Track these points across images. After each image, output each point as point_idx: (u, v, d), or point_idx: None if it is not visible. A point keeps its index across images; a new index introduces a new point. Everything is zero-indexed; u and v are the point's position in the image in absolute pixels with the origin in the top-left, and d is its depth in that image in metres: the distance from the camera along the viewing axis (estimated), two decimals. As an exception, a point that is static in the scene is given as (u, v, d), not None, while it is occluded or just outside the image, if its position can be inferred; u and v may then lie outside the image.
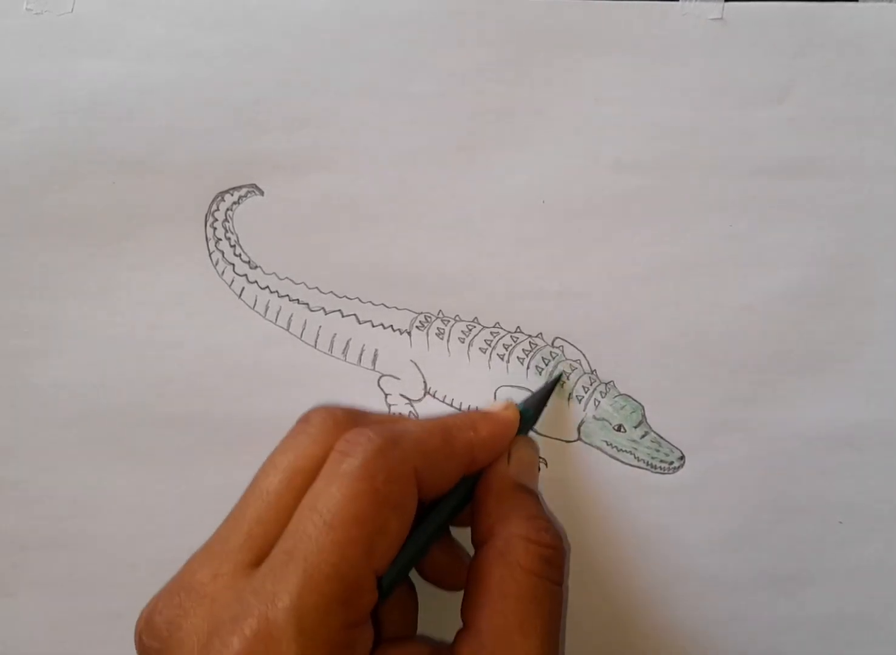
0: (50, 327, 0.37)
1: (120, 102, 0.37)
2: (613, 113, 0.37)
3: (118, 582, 0.36)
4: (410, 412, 0.36)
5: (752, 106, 0.36)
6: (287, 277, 0.37)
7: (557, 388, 0.36)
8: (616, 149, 0.37)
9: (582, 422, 0.36)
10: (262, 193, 0.37)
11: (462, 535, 0.32)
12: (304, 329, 0.37)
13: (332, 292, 0.37)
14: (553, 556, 0.28)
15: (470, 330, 0.36)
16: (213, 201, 0.37)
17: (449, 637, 0.28)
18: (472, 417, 0.31)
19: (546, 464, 0.36)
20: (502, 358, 0.36)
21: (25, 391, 0.37)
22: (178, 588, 0.25)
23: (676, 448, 0.36)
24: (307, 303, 0.37)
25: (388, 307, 0.37)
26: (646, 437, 0.36)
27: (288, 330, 0.37)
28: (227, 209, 0.37)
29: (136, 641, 0.26)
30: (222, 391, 0.36)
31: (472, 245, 0.36)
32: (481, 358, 0.36)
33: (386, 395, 0.36)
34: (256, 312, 0.37)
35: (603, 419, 0.36)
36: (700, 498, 0.36)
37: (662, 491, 0.36)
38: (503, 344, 0.36)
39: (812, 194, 0.36)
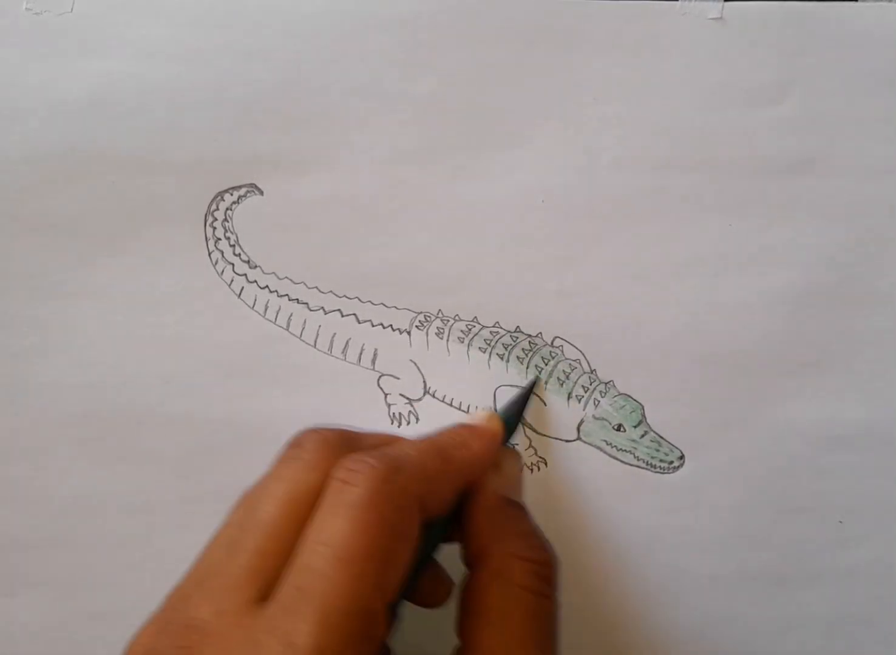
0: (50, 327, 0.37)
1: (120, 102, 0.37)
2: (613, 113, 0.37)
3: (118, 582, 0.36)
4: (410, 411, 0.36)
5: (752, 106, 0.36)
6: (286, 277, 0.37)
7: (556, 388, 0.36)
8: (616, 149, 0.37)
9: (581, 422, 0.36)
10: (261, 193, 0.37)
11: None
12: (303, 328, 0.37)
13: (331, 291, 0.37)
14: (547, 573, 0.28)
15: (469, 329, 0.36)
16: (213, 201, 0.37)
17: (429, 651, 0.28)
18: (462, 433, 0.30)
19: (546, 464, 0.36)
20: (502, 358, 0.36)
21: (25, 391, 0.37)
22: (178, 626, 0.24)
23: (676, 447, 0.36)
24: (307, 303, 0.37)
25: (387, 306, 0.37)
26: (645, 437, 0.36)
27: (287, 329, 0.37)
28: (227, 209, 0.37)
29: None
30: (222, 391, 0.36)
31: (471, 245, 0.36)
32: (481, 357, 0.36)
33: (385, 395, 0.36)
34: (256, 312, 0.37)
35: (602, 418, 0.36)
36: (700, 498, 0.36)
37: (662, 491, 0.36)
38: (503, 344, 0.36)
39: (812, 194, 0.36)
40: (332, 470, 0.25)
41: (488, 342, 0.36)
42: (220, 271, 0.37)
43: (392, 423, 0.36)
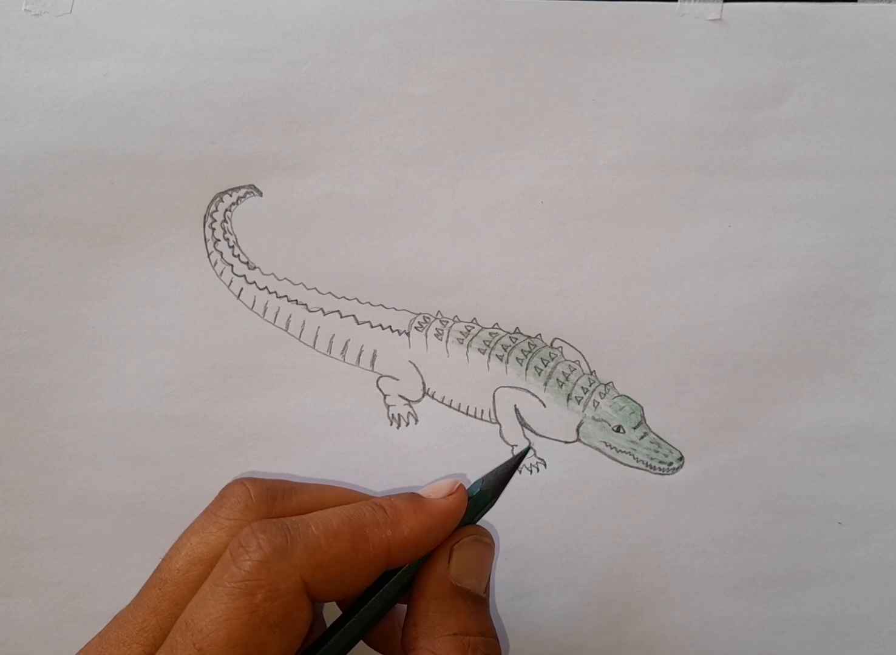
0: (49, 327, 0.37)
1: (119, 102, 0.37)
2: (612, 113, 0.37)
3: (118, 582, 0.36)
4: (409, 412, 0.36)
5: (752, 106, 0.36)
6: (286, 278, 0.37)
7: (556, 390, 0.36)
8: (616, 149, 0.37)
9: (581, 423, 0.36)
10: (260, 194, 0.37)
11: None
12: (302, 329, 0.37)
13: (330, 292, 0.37)
14: None
15: (469, 330, 0.36)
16: (212, 202, 0.37)
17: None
18: (399, 509, 0.26)
19: (546, 465, 0.36)
20: (501, 359, 0.36)
21: (25, 391, 0.37)
22: None
23: (676, 448, 0.36)
24: (306, 304, 0.37)
25: (386, 307, 0.37)
26: (645, 438, 0.36)
27: (286, 330, 0.37)
28: (226, 209, 0.37)
29: None
30: (221, 391, 0.36)
31: (471, 245, 0.36)
32: (480, 358, 0.36)
33: (385, 396, 0.36)
34: (255, 313, 0.37)
35: (602, 420, 0.36)
36: (700, 498, 0.36)
37: (662, 492, 0.36)
38: (502, 345, 0.36)
39: (812, 194, 0.36)
40: (234, 538, 0.24)
41: (487, 343, 0.36)
42: (219, 272, 0.37)
43: (391, 424, 0.36)
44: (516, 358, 0.36)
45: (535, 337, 0.36)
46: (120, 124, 0.37)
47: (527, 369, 0.36)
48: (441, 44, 0.37)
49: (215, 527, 0.25)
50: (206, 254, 0.37)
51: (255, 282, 0.37)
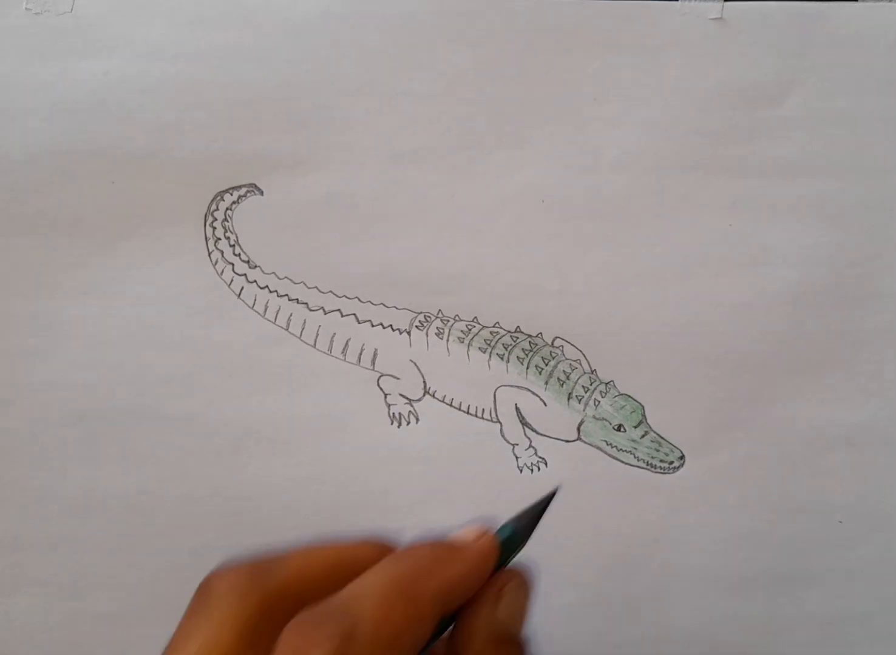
0: (50, 327, 0.37)
1: (119, 102, 0.37)
2: (613, 112, 0.37)
3: (118, 582, 0.36)
4: (410, 412, 0.36)
5: (752, 106, 0.36)
6: (286, 277, 0.37)
7: (557, 389, 0.36)
8: (616, 149, 0.37)
9: (582, 422, 0.36)
10: (261, 193, 0.37)
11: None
12: (303, 328, 0.37)
13: (331, 291, 0.37)
14: None
15: (469, 329, 0.36)
16: (213, 201, 0.37)
17: None
18: (437, 555, 0.24)
19: (546, 464, 0.36)
20: (502, 358, 0.36)
21: (25, 391, 0.37)
22: None
23: (676, 447, 0.36)
24: (306, 303, 0.37)
25: (387, 306, 0.37)
26: (646, 437, 0.36)
27: (287, 329, 0.37)
28: (227, 208, 0.37)
29: None
30: (222, 390, 0.36)
31: (471, 244, 0.36)
32: (481, 357, 0.36)
33: (385, 395, 0.36)
34: (256, 311, 0.37)
35: (603, 419, 0.36)
36: (700, 497, 0.36)
37: (662, 491, 0.36)
38: (503, 344, 0.36)
39: (812, 194, 0.36)
40: (280, 639, 0.21)
41: (488, 342, 0.36)
42: (219, 271, 0.37)
43: (392, 423, 0.36)
44: (517, 357, 0.36)
45: (536, 336, 0.36)
46: (121, 123, 0.37)
47: (528, 368, 0.36)
48: (441, 43, 0.37)
49: (213, 626, 0.22)
50: (206, 253, 0.37)
51: (255, 281, 0.37)
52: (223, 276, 0.37)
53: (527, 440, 0.36)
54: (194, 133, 0.37)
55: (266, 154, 0.37)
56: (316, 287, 0.37)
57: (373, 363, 0.36)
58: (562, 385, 0.36)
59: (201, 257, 0.37)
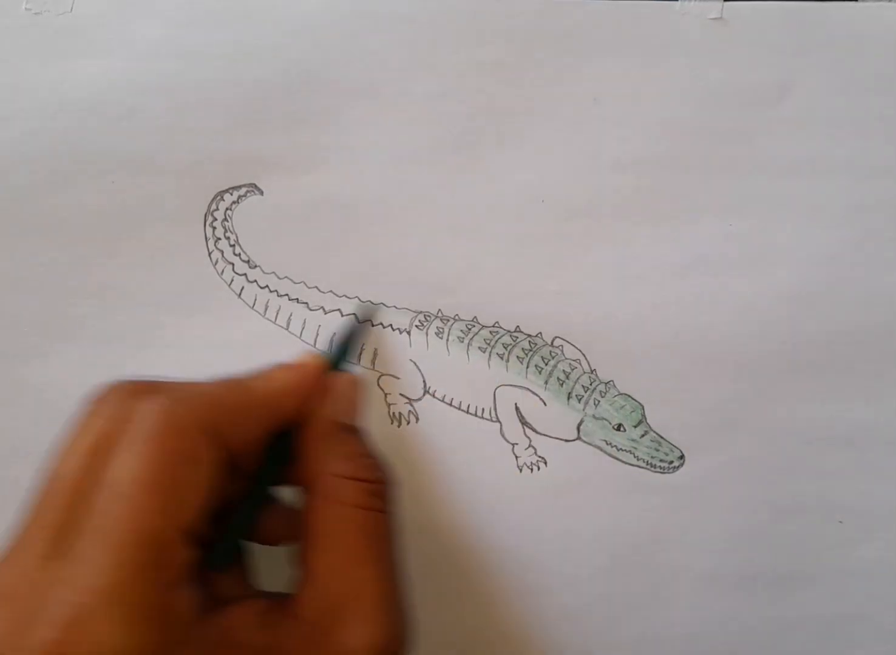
0: (50, 327, 0.37)
1: (119, 102, 0.37)
2: (613, 113, 0.37)
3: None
4: (410, 411, 0.36)
5: (752, 106, 0.36)
6: (286, 276, 0.37)
7: (556, 388, 0.36)
8: (616, 149, 0.37)
9: (581, 422, 0.36)
10: (261, 193, 0.37)
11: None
12: (303, 328, 0.37)
13: (331, 291, 0.37)
14: (380, 490, 0.29)
15: (469, 329, 0.36)
16: (213, 200, 0.37)
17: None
18: (270, 369, 0.30)
19: (546, 464, 0.36)
20: (501, 358, 0.36)
21: (25, 391, 0.37)
22: None
23: (676, 447, 0.36)
24: (306, 302, 0.37)
25: (387, 306, 0.37)
26: (645, 437, 0.36)
27: (287, 328, 0.37)
28: (227, 208, 0.37)
29: None
30: (222, 390, 0.36)
31: (471, 245, 0.36)
32: (481, 357, 0.36)
33: (385, 394, 0.36)
34: (256, 311, 0.37)
35: (602, 418, 0.36)
36: (700, 498, 0.36)
37: (662, 491, 0.36)
38: (502, 344, 0.36)
39: (812, 194, 0.36)
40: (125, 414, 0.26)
41: (488, 342, 0.36)
42: (219, 271, 0.37)
43: (392, 422, 0.36)
44: (517, 356, 0.36)
45: (536, 335, 0.36)
46: (120, 123, 0.37)
47: (527, 368, 0.36)
48: (441, 43, 0.37)
49: (104, 420, 0.26)
50: (206, 253, 0.37)
51: (255, 281, 0.37)
52: (223, 276, 0.37)
53: (526, 439, 0.36)
54: (194, 133, 0.37)
55: (266, 154, 0.37)
56: (316, 287, 0.37)
57: (372, 363, 0.36)
58: (561, 384, 0.36)
59: (201, 257, 0.37)
